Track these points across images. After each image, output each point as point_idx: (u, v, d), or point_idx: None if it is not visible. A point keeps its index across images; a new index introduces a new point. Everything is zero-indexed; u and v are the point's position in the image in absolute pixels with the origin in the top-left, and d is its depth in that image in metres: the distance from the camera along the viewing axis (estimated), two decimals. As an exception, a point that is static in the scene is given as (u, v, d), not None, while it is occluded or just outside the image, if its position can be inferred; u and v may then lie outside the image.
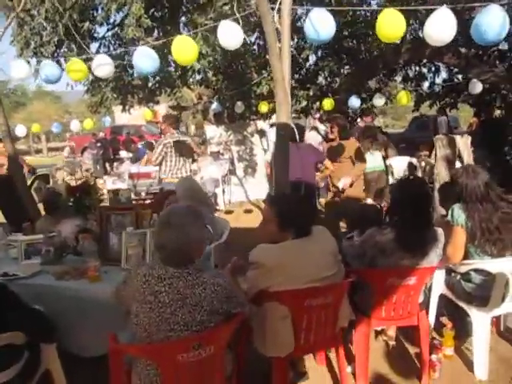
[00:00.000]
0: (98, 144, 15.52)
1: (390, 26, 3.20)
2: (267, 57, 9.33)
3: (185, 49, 3.60)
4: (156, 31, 8.46)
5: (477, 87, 6.72)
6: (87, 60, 4.42)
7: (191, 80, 9.54)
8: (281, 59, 3.48)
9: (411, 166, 8.97)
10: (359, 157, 5.11)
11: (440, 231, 2.64)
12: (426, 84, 11.38)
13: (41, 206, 3.87)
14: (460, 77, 10.54)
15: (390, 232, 2.59)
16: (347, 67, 9.74)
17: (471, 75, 6.94)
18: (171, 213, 1.97)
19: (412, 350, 3.21)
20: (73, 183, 13.57)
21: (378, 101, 7.90)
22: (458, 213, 2.83)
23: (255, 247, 2.33)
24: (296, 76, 10.43)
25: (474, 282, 2.87)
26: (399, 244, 2.55)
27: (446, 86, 10.27)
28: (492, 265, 2.76)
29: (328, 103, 7.94)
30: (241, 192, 9.74)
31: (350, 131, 5.26)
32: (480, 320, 2.85)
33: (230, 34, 3.46)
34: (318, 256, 2.32)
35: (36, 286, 2.66)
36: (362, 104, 8.82)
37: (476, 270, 2.85)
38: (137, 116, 14.00)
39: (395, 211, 2.66)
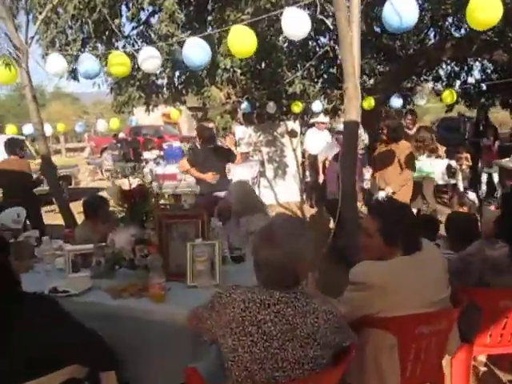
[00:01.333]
0: (119, 144, 15.33)
1: (484, 9, 2.81)
2: (328, 52, 9.01)
3: (243, 39, 3.26)
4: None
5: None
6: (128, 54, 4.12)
7: (219, 78, 9.24)
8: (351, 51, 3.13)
9: (450, 169, 8.56)
10: (408, 163, 4.67)
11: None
12: (457, 83, 10.99)
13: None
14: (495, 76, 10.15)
15: (503, 246, 2.22)
16: (380, 65, 9.37)
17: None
18: (275, 225, 1.63)
19: (504, 377, 2.83)
20: (94, 184, 13.40)
21: (420, 100, 7.49)
22: None
23: (357, 264, 1.98)
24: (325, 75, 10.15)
25: None
26: (516, 261, 2.18)
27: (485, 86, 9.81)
28: None
29: (366, 103, 7.54)
30: (271, 195, 9.38)
31: (401, 133, 4.77)
32: None
33: (297, 22, 3.11)
34: (432, 275, 1.96)
35: (88, 305, 2.31)
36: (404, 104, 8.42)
37: None
38: (154, 117, 13.77)
39: (507, 222, 2.28)
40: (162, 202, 2.83)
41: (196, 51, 3.45)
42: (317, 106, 8.30)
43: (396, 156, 4.67)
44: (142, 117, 11.95)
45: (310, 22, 3.08)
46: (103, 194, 4.06)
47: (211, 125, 6.85)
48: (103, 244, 2.70)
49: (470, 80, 10.17)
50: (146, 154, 11.15)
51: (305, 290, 1.69)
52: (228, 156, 5.63)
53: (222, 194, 4.80)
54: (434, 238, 3.26)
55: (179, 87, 9.42)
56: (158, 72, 9.27)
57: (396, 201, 2.07)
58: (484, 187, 8.17)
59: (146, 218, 2.62)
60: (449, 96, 6.77)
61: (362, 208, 5.52)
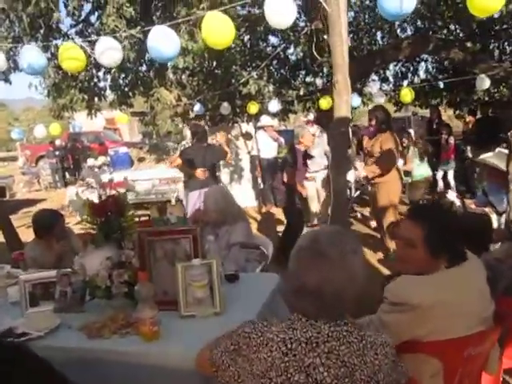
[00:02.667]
0: (57, 152, 14.30)
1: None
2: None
3: (220, 28, 2.88)
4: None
5: (485, 83, 6.40)
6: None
7: (170, 79, 8.76)
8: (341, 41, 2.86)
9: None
10: (386, 152, 4.57)
11: None
12: (405, 83, 11.20)
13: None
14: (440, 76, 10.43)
15: (535, 249, 2.02)
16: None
17: (478, 70, 6.62)
18: (320, 238, 1.28)
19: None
20: (31, 196, 12.33)
21: (380, 99, 7.44)
22: None
23: (395, 280, 1.68)
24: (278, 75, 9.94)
25: None
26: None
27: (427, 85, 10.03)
28: None
29: (325, 102, 7.38)
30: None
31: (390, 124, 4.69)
32: None
33: (281, 11, 2.78)
34: (478, 289, 1.70)
35: (57, 350, 1.83)
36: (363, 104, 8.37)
37: None
38: (91, 122, 12.94)
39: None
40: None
41: (164, 43, 3.03)
42: (273, 106, 8.04)
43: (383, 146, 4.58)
44: (85, 122, 11.14)
45: (295, 9, 2.77)
46: (40, 205, 3.49)
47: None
48: (69, 270, 2.23)
49: (417, 80, 10.37)
50: (91, 161, 10.39)
51: (352, 318, 1.36)
52: (219, 154, 5.96)
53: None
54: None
55: (125, 89, 8.83)
56: (101, 73, 8.70)
57: (441, 204, 1.79)
58: (441, 184, 8.29)
59: (122, 235, 2.17)
60: (407, 94, 6.75)
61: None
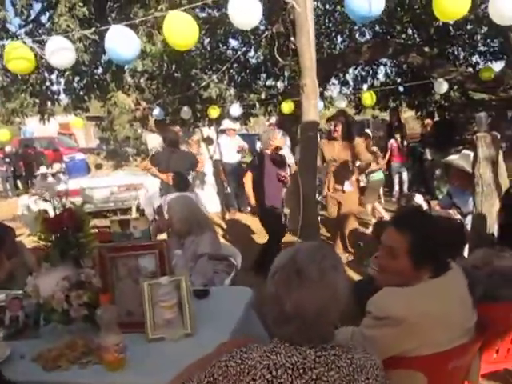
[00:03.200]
0: (7, 159, 13.60)
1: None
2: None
3: (181, 28, 2.73)
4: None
5: (443, 87, 6.55)
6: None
7: (128, 83, 8.48)
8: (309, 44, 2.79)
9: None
10: (365, 158, 4.62)
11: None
12: (365, 86, 11.39)
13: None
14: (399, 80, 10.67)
15: (511, 254, 1.99)
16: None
17: (436, 75, 6.77)
18: (298, 256, 1.16)
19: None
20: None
21: (341, 102, 7.47)
22: None
23: (378, 293, 1.59)
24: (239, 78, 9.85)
25: None
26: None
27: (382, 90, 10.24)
28: None
29: (287, 106, 7.35)
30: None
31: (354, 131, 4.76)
32: None
33: (246, 11, 2.66)
34: (463, 300, 1.64)
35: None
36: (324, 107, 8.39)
37: None
38: (44, 128, 12.40)
39: (512, 226, 2.05)
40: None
41: (123, 43, 2.85)
42: (235, 110, 7.93)
43: (354, 152, 4.60)
44: (37, 128, 10.63)
45: (261, 8, 2.67)
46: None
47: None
48: (21, 292, 2.01)
49: (376, 84, 10.54)
50: (43, 169, 9.91)
51: (338, 340, 1.26)
52: (186, 162, 5.73)
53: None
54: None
55: (80, 93, 8.48)
56: (54, 76, 8.31)
57: (425, 212, 1.71)
58: (397, 187, 8.43)
59: (81, 252, 1.98)
60: (369, 97, 6.81)
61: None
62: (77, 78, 8.21)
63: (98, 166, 9.95)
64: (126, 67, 8.00)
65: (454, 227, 2.49)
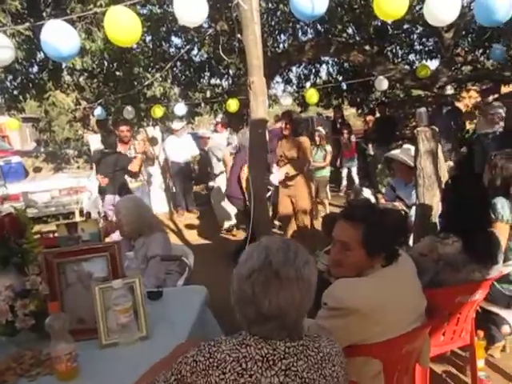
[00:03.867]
0: None
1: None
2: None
3: (124, 23, 2.65)
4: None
5: (383, 84, 6.80)
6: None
7: (66, 82, 8.14)
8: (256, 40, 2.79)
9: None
10: (306, 155, 4.73)
11: (496, 231, 2.25)
12: (307, 85, 11.60)
13: None
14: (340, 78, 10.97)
15: (455, 241, 2.09)
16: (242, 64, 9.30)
17: (376, 72, 7.01)
18: (272, 258, 1.14)
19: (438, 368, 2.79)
20: None
21: (286, 100, 7.56)
22: (503, 206, 2.46)
23: (333, 284, 1.62)
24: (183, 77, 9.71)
25: (517, 283, 2.54)
26: (471, 254, 2.07)
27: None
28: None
29: (233, 104, 7.33)
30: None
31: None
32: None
33: (191, 8, 2.62)
34: (412, 285, 1.71)
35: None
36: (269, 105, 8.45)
37: (520, 271, 2.52)
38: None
39: (455, 215, 2.16)
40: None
41: (61, 38, 2.71)
42: (180, 109, 7.81)
43: (301, 149, 4.70)
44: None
45: (206, 5, 2.64)
46: None
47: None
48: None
49: (319, 82, 10.77)
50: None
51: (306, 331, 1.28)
52: (125, 164, 5.56)
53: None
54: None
55: (14, 92, 8.02)
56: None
57: (372, 203, 1.75)
58: (345, 182, 8.68)
59: (24, 259, 1.87)
60: (313, 95, 6.94)
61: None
62: (10, 77, 7.75)
63: (37, 169, 9.48)
64: (64, 65, 7.67)
65: (397, 218, 2.59)
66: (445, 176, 3.66)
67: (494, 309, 2.61)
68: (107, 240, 3.14)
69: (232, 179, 5.26)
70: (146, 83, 7.66)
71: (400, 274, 1.65)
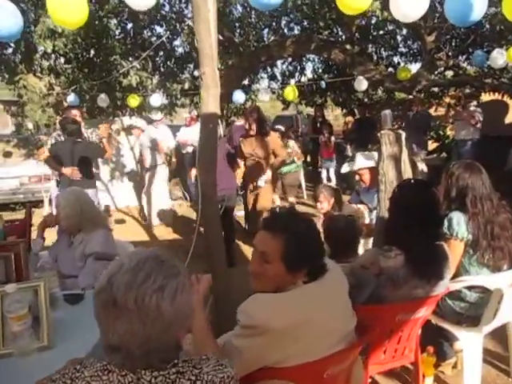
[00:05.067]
0: None
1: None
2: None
3: (68, 3, 2.46)
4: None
5: (363, 84, 6.67)
6: None
7: (38, 66, 7.85)
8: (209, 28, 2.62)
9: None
10: (280, 153, 4.62)
11: (445, 245, 2.11)
12: (292, 82, 11.44)
13: None
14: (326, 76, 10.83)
15: (398, 254, 1.95)
16: (221, 59, 9.09)
17: (356, 73, 6.88)
18: (115, 279, 0.99)
19: None
20: None
21: (264, 96, 7.39)
22: (459, 221, 2.31)
23: (247, 300, 1.46)
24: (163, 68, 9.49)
25: (467, 300, 2.41)
26: (413, 270, 1.93)
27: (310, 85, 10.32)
28: (492, 280, 2.33)
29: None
30: (107, 199, 8.37)
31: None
32: (472, 342, 2.42)
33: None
34: (340, 303, 1.56)
35: None
36: (246, 100, 8.27)
37: (471, 287, 2.40)
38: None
39: (399, 226, 2.01)
40: None
41: (3, 16, 2.51)
42: (156, 99, 7.58)
43: (269, 147, 4.61)
44: None
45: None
46: None
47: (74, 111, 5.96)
48: None
49: (304, 79, 10.61)
50: None
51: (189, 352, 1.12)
52: (93, 151, 5.30)
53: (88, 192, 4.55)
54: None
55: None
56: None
57: (298, 212, 1.60)
58: (325, 182, 8.56)
59: None
60: (291, 92, 6.78)
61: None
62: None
63: (7, 155, 9.19)
64: (39, 48, 7.41)
65: (347, 225, 2.45)
66: (409, 182, 3.56)
67: (445, 325, 2.49)
68: (45, 233, 2.95)
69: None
70: (122, 71, 7.42)
71: (324, 292, 1.50)
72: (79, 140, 5.20)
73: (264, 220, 1.52)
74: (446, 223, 2.31)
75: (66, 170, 4.96)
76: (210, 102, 2.67)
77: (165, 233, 6.66)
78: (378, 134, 3.28)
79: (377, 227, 3.34)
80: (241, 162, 4.89)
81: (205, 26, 2.54)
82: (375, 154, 3.57)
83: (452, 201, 2.38)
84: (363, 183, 3.80)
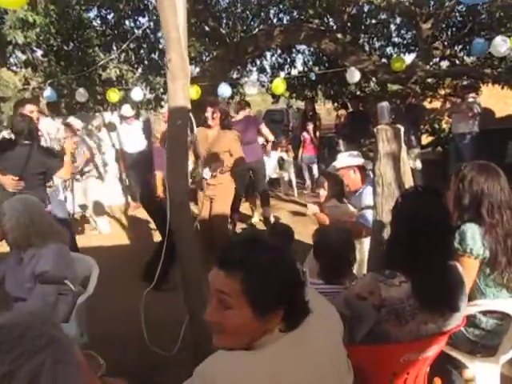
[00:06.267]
0: None
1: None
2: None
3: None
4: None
5: (355, 76, 6.28)
6: None
7: (15, 59, 7.41)
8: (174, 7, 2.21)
9: (281, 162, 8.40)
10: (239, 152, 4.28)
11: (458, 265, 1.73)
12: (281, 74, 11.02)
13: None
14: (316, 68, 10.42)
15: (402, 281, 1.57)
16: (206, 51, 8.64)
17: (348, 63, 6.49)
18: None
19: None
20: None
21: (251, 89, 6.98)
22: (473, 235, 1.94)
23: (207, 360, 1.08)
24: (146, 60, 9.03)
25: (482, 327, 2.05)
26: (423, 301, 1.54)
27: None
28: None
29: (193, 91, 6.71)
30: (86, 199, 7.96)
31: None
32: (487, 374, 2.06)
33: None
34: (332, 356, 1.17)
35: None
36: (232, 93, 7.85)
37: (487, 312, 2.03)
38: None
39: (403, 246, 1.63)
40: None
41: None
42: (137, 94, 7.14)
43: (226, 142, 4.27)
44: None
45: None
46: None
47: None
48: None
49: (294, 72, 10.18)
50: None
51: None
52: (50, 161, 3.96)
53: None
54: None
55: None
56: None
57: (261, 238, 1.17)
58: (308, 181, 8.19)
59: None
60: (280, 85, 6.37)
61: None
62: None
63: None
64: (8, 39, 6.93)
65: (339, 239, 2.07)
66: (410, 183, 3.17)
67: (456, 354, 2.13)
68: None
69: None
70: (100, 64, 6.97)
71: (309, 344, 1.11)
72: (27, 142, 3.86)
73: (217, 255, 1.12)
74: (457, 237, 1.94)
75: (5, 181, 3.78)
76: (179, 93, 2.27)
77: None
78: (375, 130, 2.90)
79: (372, 243, 2.96)
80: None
81: (169, 4, 2.13)
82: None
83: (464, 210, 2.00)
84: (348, 185, 3.43)
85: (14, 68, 7.94)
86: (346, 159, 3.57)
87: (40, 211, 2.52)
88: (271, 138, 6.34)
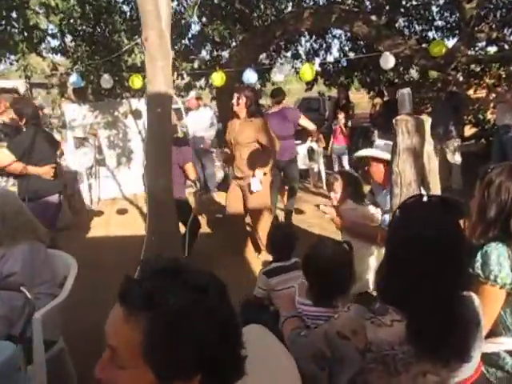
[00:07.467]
0: None
1: None
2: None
3: None
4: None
5: (389, 61, 5.80)
6: None
7: (48, 45, 7.38)
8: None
9: (311, 152, 8.02)
10: (270, 140, 3.87)
11: (474, 297, 1.36)
12: (317, 61, 10.55)
13: None
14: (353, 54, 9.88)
15: (394, 321, 1.22)
16: (233, 36, 8.31)
17: (382, 48, 5.99)
18: None
19: None
20: None
21: (277, 75, 6.61)
22: (500, 259, 1.55)
23: None
24: (177, 47, 8.83)
25: (507, 369, 1.66)
26: (421, 347, 1.19)
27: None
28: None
29: (218, 78, 6.43)
30: (113, 187, 7.92)
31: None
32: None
33: None
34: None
35: None
36: (259, 79, 7.51)
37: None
38: None
39: (399, 277, 1.28)
40: None
41: None
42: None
43: (253, 131, 3.88)
44: None
45: None
46: None
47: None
48: None
49: (329, 58, 9.71)
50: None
51: None
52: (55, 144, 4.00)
53: (54, 198, 3.65)
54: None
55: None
56: None
57: (187, 264, 0.86)
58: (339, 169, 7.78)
59: None
60: (307, 71, 5.96)
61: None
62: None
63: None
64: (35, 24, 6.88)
65: (334, 256, 1.73)
66: (436, 185, 2.75)
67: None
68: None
69: None
70: (124, 49, 6.81)
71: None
72: (41, 128, 3.98)
73: (119, 292, 0.83)
74: (478, 259, 1.56)
75: (43, 170, 3.64)
76: (158, 77, 2.00)
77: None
78: (393, 121, 2.52)
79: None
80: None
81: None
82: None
83: (489, 224, 1.61)
84: (377, 179, 3.03)
85: (44, 53, 7.93)
86: (379, 150, 3.16)
87: (15, 208, 2.32)
88: (312, 127, 5.93)
